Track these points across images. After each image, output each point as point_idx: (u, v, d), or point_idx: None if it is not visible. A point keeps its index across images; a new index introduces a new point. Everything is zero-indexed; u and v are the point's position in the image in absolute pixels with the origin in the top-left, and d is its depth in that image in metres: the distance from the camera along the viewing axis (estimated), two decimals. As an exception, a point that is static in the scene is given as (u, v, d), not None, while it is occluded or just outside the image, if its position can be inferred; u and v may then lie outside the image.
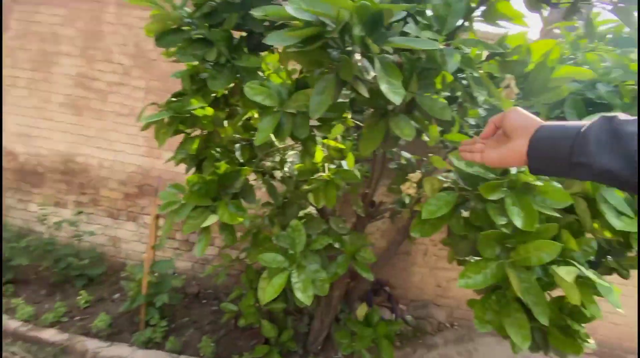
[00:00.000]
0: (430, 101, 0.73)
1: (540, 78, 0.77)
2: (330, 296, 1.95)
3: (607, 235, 0.91)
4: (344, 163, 1.54)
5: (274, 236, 1.27)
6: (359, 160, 2.39)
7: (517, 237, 0.73)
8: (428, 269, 2.86)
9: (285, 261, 1.15)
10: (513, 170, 0.77)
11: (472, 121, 1.49)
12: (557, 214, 0.72)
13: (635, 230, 0.79)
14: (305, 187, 1.09)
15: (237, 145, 1.30)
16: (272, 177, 1.49)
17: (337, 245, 1.27)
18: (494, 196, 0.71)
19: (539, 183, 0.69)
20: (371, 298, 2.52)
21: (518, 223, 0.66)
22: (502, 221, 0.68)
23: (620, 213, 0.84)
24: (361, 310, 1.96)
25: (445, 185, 0.94)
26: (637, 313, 2.63)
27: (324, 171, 1.17)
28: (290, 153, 1.32)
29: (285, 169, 1.25)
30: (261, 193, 1.85)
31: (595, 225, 0.91)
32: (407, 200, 1.77)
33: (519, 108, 0.51)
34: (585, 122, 0.43)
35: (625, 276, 1.25)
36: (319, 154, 1.16)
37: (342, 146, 1.20)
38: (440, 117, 0.72)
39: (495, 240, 0.72)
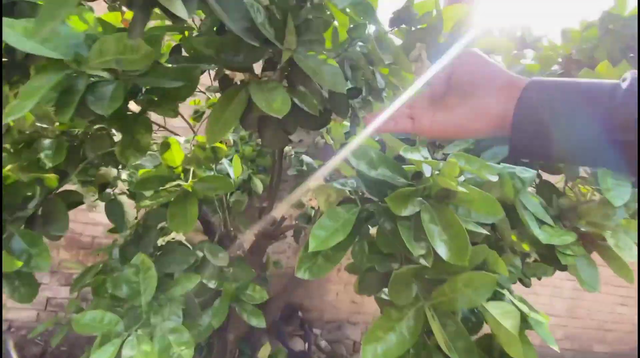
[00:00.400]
0: (316, 63, 0.46)
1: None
2: (224, 340, 1.55)
3: (526, 248, 0.77)
4: (230, 170, 1.20)
5: (109, 281, 0.84)
6: (264, 169, 2.06)
7: (439, 266, 0.50)
8: (342, 285, 2.68)
9: (118, 322, 0.74)
10: (427, 172, 0.55)
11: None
12: (485, 231, 0.52)
13: (560, 242, 0.66)
14: (146, 202, 0.71)
15: (48, 141, 0.84)
16: (124, 191, 1.04)
17: (212, 285, 0.91)
18: (406, 211, 0.46)
19: (462, 189, 0.47)
20: (281, 329, 2.19)
21: (443, 252, 0.43)
22: (420, 250, 0.44)
23: (541, 222, 0.71)
24: (264, 351, 1.61)
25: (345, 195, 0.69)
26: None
27: (186, 180, 0.80)
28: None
29: (124, 177, 0.84)
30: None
31: (513, 237, 0.77)
32: (312, 214, 1.52)
33: (478, 51, 0.35)
34: (602, 81, 0.28)
35: (527, 285, 1.21)
36: (178, 154, 0.80)
37: (218, 144, 0.86)
38: (331, 87, 0.46)
39: (412, 276, 0.48)
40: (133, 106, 0.64)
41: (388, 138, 0.54)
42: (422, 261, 0.46)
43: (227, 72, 0.54)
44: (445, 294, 0.50)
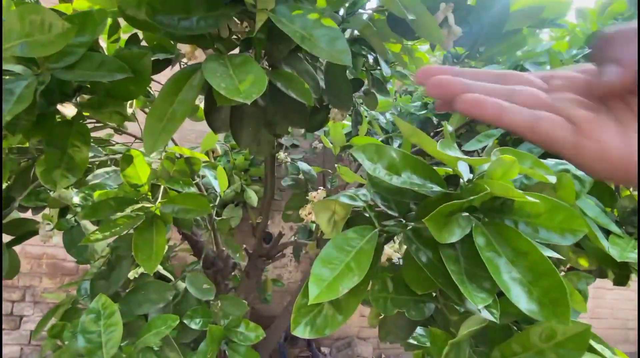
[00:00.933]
0: (305, 25, 0.31)
1: (493, 12, 0.44)
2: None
3: (584, 264, 0.62)
4: (215, 183, 1.04)
5: (66, 333, 0.68)
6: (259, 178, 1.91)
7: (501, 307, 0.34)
8: (350, 298, 2.51)
9: (72, 388, 0.58)
10: (465, 174, 0.40)
11: (383, 119, 1.18)
12: (560, 256, 0.37)
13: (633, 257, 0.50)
14: (97, 235, 0.55)
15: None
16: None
17: (194, 325, 0.74)
18: (452, 236, 0.31)
19: (530, 199, 0.32)
20: (285, 352, 2.01)
21: (522, 302, 0.27)
22: (483, 298, 0.28)
23: (606, 231, 0.55)
24: (267, 384, 1.43)
25: (355, 209, 0.54)
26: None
27: (154, 200, 0.65)
28: (102, 171, 0.76)
29: (76, 200, 0.68)
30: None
31: (569, 252, 0.61)
32: (314, 227, 1.36)
33: None
34: None
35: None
36: (142, 169, 0.64)
37: (189, 152, 0.71)
38: (328, 57, 0.31)
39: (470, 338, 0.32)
40: (68, 110, 0.49)
41: (400, 123, 0.39)
42: (486, 314, 0.30)
43: (184, 52, 0.39)
44: (514, 353, 0.34)
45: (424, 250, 0.36)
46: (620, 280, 0.57)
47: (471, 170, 0.45)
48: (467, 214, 0.36)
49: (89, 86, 0.47)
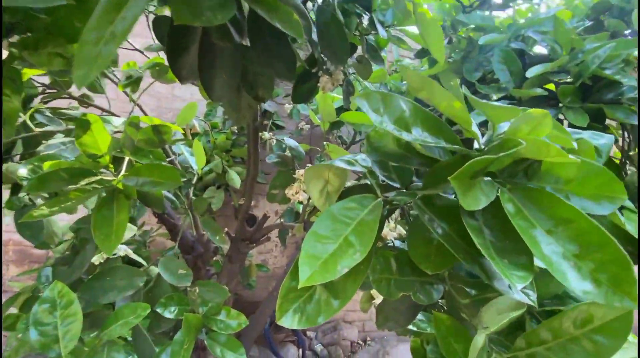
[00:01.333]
0: None
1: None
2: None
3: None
4: (192, 160, 0.96)
5: (20, 324, 0.59)
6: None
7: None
8: (336, 283, 2.49)
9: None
10: (479, 133, 0.34)
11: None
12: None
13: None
14: (43, 210, 0.46)
15: None
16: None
17: (169, 313, 0.67)
18: (477, 203, 0.24)
19: (573, 157, 0.26)
20: (270, 337, 1.97)
21: (572, 279, 0.21)
22: (518, 278, 0.22)
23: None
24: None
25: (353, 181, 0.47)
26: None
27: (115, 172, 0.56)
28: (56, 141, 0.65)
29: (23, 172, 0.58)
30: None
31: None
32: (300, 209, 1.30)
33: None
34: None
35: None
36: (101, 136, 0.55)
37: (158, 121, 0.61)
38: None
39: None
40: (-6, 52, 0.39)
41: (407, 72, 0.32)
42: (518, 296, 0.24)
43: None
44: (542, 341, 0.28)
45: (438, 221, 0.29)
46: (632, 259, 0.53)
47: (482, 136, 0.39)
48: (489, 179, 0.30)
49: (23, 22, 0.38)
